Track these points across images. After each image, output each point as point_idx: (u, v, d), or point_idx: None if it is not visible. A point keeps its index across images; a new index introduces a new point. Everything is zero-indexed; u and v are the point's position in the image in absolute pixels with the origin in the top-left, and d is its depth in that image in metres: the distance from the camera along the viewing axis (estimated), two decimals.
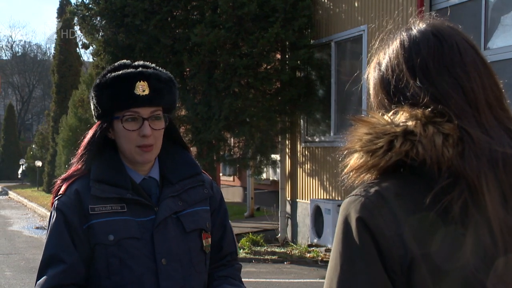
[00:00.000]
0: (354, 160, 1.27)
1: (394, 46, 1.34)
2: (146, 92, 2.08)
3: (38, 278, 2.06)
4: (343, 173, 1.29)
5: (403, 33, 1.35)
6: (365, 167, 1.26)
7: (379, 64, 1.36)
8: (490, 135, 1.23)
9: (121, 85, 2.08)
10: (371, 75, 1.38)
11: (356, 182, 1.28)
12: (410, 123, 1.23)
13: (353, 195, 1.26)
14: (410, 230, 1.19)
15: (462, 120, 1.23)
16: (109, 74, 2.11)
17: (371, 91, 1.37)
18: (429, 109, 1.24)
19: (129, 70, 2.11)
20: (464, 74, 1.28)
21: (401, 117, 1.25)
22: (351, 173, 1.28)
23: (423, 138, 1.20)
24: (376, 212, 1.21)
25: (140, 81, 2.08)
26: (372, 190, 1.24)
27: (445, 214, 1.19)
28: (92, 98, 2.14)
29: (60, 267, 2.04)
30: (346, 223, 1.23)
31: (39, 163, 28.59)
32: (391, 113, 1.27)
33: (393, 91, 1.31)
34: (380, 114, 1.29)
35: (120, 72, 2.11)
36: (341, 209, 1.26)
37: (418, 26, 1.35)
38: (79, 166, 2.16)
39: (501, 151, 1.21)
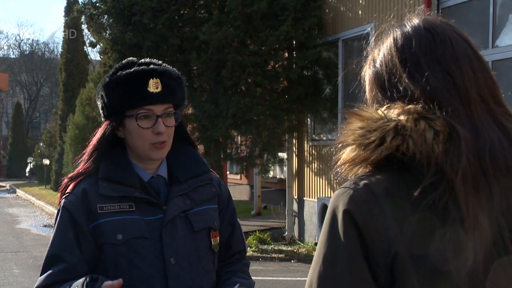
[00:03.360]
0: (347, 153, 1.28)
1: (387, 43, 1.36)
2: (159, 89, 2.08)
3: (40, 276, 2.07)
4: (336, 166, 1.30)
5: (397, 30, 1.37)
6: (357, 161, 1.27)
7: (373, 60, 1.38)
8: (480, 133, 1.23)
9: (133, 83, 2.07)
10: (366, 72, 1.40)
11: (350, 175, 1.30)
12: (402, 117, 1.24)
13: (342, 187, 1.28)
14: (396, 225, 1.20)
15: (452, 117, 1.24)
16: (119, 72, 2.10)
17: (366, 87, 1.40)
18: (421, 105, 1.25)
19: (141, 68, 2.10)
20: (456, 68, 1.28)
21: (394, 112, 1.26)
22: (344, 166, 1.29)
23: (414, 133, 1.21)
24: (363, 205, 1.22)
25: (153, 78, 2.08)
26: (362, 183, 1.25)
27: (431, 210, 1.20)
28: (102, 97, 2.13)
29: (61, 266, 2.04)
30: (333, 214, 1.25)
31: (46, 161, 28.66)
32: (384, 107, 1.29)
33: (386, 86, 1.32)
34: (374, 108, 1.31)
35: (132, 69, 2.10)
36: (331, 200, 1.28)
37: (411, 22, 1.36)
38: (87, 165, 2.15)
39: (488, 150, 1.21)
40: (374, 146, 1.24)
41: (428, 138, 1.20)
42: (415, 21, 1.36)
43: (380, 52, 1.37)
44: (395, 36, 1.35)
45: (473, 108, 1.26)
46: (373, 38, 1.43)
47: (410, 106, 1.25)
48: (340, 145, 1.30)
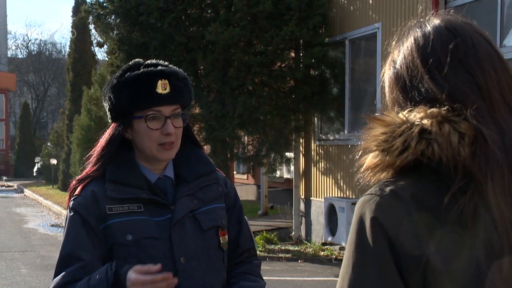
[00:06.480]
0: (370, 159, 1.26)
1: (408, 43, 1.33)
2: (168, 90, 2.08)
3: (55, 277, 2.07)
4: (359, 172, 1.28)
5: (417, 30, 1.34)
6: (381, 166, 1.25)
7: (393, 62, 1.35)
8: (505, 134, 1.21)
9: (142, 84, 2.07)
10: (386, 73, 1.37)
11: (372, 181, 1.27)
12: (425, 121, 1.21)
13: (368, 194, 1.25)
14: (426, 231, 1.18)
15: (477, 118, 1.21)
16: (127, 74, 2.10)
17: (386, 89, 1.37)
18: (445, 108, 1.22)
19: (149, 69, 2.10)
20: (478, 68, 1.26)
21: (417, 116, 1.23)
22: (366, 172, 1.27)
23: (439, 137, 1.19)
24: (391, 212, 1.20)
25: (161, 80, 2.08)
26: (388, 189, 1.23)
27: (461, 215, 1.18)
28: (109, 99, 2.13)
29: (77, 264, 2.04)
30: (361, 222, 1.22)
31: (54, 161, 28.72)
32: (406, 111, 1.26)
33: (408, 87, 1.30)
34: (395, 112, 1.28)
35: (140, 71, 2.10)
36: (356, 208, 1.26)
37: (432, 22, 1.33)
38: (95, 168, 2.16)
39: None
40: (399, 152, 1.22)
41: (454, 141, 1.18)
42: (436, 21, 1.33)
43: (400, 53, 1.34)
44: (415, 36, 1.32)
45: (496, 108, 1.24)
46: (394, 39, 1.38)
47: (434, 109, 1.23)
48: (362, 151, 1.28)
